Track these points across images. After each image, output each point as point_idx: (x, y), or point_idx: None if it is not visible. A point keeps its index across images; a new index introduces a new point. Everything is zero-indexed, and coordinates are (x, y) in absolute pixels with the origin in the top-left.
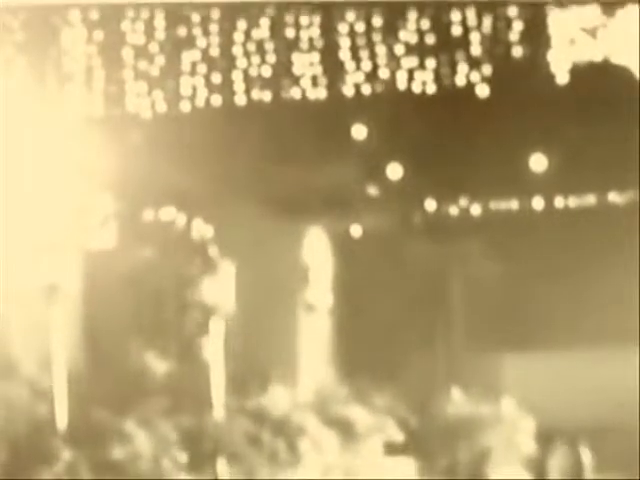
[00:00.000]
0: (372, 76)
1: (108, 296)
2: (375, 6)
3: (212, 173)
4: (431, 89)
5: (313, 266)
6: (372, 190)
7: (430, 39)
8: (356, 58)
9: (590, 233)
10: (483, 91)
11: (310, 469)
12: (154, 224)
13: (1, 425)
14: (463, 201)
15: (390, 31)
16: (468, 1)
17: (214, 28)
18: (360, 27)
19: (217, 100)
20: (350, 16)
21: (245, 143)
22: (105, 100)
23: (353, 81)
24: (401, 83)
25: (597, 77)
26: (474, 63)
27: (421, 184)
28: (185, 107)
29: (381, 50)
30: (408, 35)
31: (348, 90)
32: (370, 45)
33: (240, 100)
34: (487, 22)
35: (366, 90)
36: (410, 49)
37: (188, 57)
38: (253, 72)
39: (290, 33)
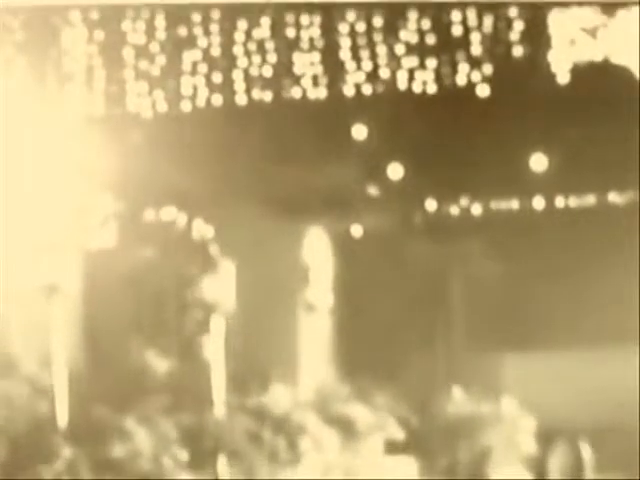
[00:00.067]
0: (373, 76)
1: (108, 296)
2: (376, 6)
3: (213, 173)
4: (432, 89)
5: (313, 266)
6: (372, 190)
7: (431, 39)
8: (357, 58)
9: (590, 233)
10: (484, 91)
11: (310, 468)
12: (155, 224)
13: (2, 423)
14: (464, 201)
15: (391, 31)
16: (469, 1)
17: (215, 28)
18: (361, 27)
19: (218, 100)
20: (351, 16)
21: (246, 143)
22: (106, 100)
23: (354, 81)
24: (402, 83)
25: (597, 77)
26: (475, 63)
27: (422, 184)
28: (186, 107)
29: (382, 50)
30: (409, 35)
31: (349, 90)
32: (371, 45)
33: (241, 100)
34: (488, 22)
35: (367, 90)
36: (411, 49)
37: (189, 57)
38: (254, 72)
39: (291, 33)
